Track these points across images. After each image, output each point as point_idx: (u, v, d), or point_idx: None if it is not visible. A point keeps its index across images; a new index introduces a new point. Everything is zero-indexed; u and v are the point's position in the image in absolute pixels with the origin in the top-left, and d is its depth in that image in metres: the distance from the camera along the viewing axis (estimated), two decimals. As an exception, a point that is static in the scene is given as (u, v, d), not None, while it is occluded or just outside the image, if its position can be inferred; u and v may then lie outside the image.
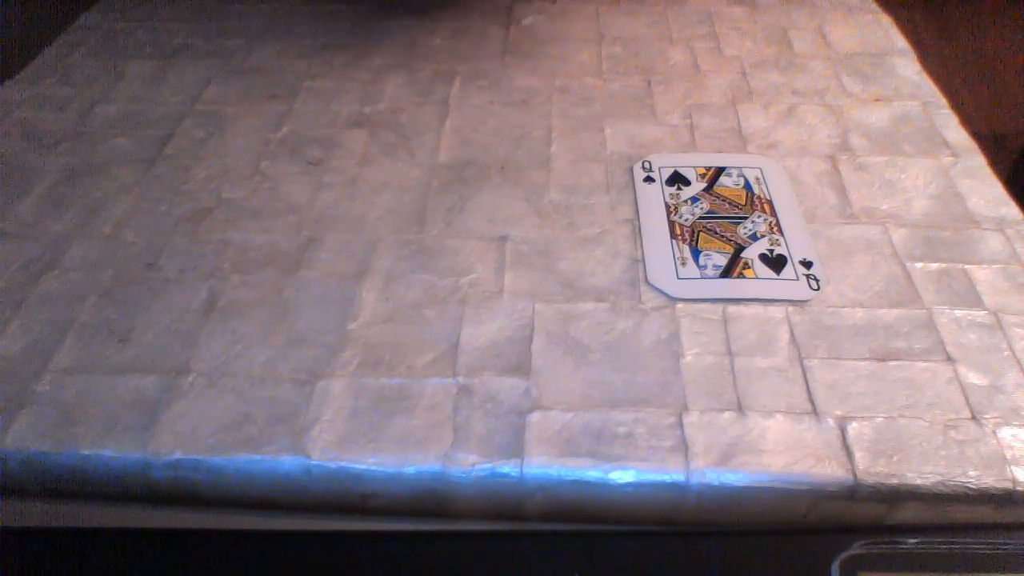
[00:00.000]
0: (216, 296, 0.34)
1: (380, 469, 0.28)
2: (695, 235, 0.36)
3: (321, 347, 0.32)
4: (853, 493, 0.27)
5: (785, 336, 0.32)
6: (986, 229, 0.36)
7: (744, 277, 0.34)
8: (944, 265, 0.35)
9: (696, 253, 0.35)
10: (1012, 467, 0.27)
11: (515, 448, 0.28)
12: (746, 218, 0.37)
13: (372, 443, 0.28)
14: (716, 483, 0.27)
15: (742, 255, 0.35)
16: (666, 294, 0.33)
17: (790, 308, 0.33)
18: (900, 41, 0.51)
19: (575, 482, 0.27)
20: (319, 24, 0.54)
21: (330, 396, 0.30)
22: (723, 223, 0.37)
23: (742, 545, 0.27)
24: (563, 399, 0.29)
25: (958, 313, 0.32)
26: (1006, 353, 0.31)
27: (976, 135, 0.42)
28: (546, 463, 0.27)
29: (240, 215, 0.38)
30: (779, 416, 0.29)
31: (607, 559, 0.26)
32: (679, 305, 0.33)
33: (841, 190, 0.39)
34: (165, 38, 0.53)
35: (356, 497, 0.29)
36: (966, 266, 0.34)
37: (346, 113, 0.45)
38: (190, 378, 0.30)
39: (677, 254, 0.35)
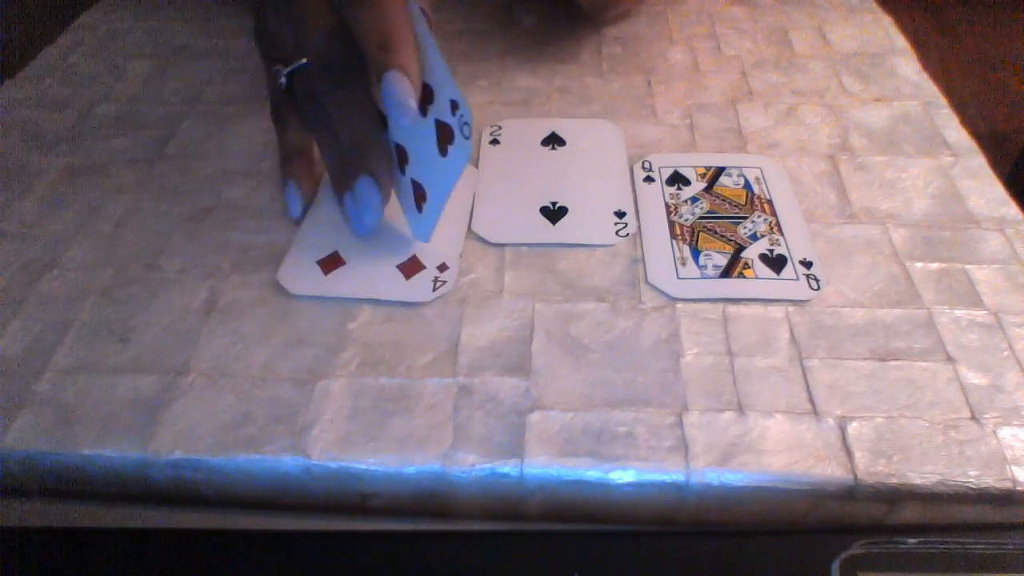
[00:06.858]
0: (216, 296, 0.34)
1: (380, 469, 0.28)
2: (695, 235, 0.36)
3: (321, 347, 0.32)
4: (853, 493, 0.27)
5: (785, 336, 0.32)
6: (986, 229, 0.36)
7: (744, 277, 0.34)
8: (944, 265, 0.35)
9: (696, 253, 0.35)
10: (1012, 467, 0.27)
11: (515, 448, 0.28)
12: (746, 218, 0.37)
13: (372, 443, 0.28)
14: (716, 483, 0.27)
15: (742, 255, 0.35)
16: (666, 294, 0.33)
17: (790, 308, 0.33)
18: (900, 41, 0.51)
19: (575, 482, 0.27)
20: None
21: (330, 396, 0.30)
22: (723, 223, 0.37)
23: (742, 545, 0.27)
24: (563, 399, 0.29)
25: (958, 313, 0.32)
26: (1006, 353, 0.31)
27: (976, 135, 0.42)
28: (546, 463, 0.27)
29: (240, 215, 0.38)
30: (779, 416, 0.29)
31: (607, 559, 0.26)
32: (679, 305, 0.33)
33: (841, 190, 0.39)
34: (165, 38, 0.53)
35: (356, 497, 0.29)
36: (966, 266, 0.34)
37: (346, 113, 0.45)
38: (190, 378, 0.30)
39: (677, 254, 0.35)
